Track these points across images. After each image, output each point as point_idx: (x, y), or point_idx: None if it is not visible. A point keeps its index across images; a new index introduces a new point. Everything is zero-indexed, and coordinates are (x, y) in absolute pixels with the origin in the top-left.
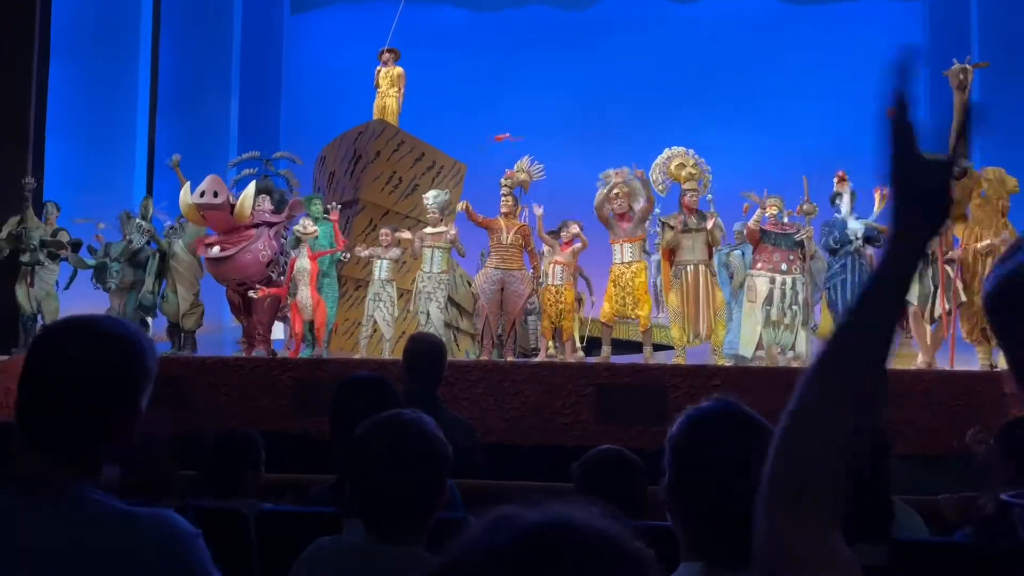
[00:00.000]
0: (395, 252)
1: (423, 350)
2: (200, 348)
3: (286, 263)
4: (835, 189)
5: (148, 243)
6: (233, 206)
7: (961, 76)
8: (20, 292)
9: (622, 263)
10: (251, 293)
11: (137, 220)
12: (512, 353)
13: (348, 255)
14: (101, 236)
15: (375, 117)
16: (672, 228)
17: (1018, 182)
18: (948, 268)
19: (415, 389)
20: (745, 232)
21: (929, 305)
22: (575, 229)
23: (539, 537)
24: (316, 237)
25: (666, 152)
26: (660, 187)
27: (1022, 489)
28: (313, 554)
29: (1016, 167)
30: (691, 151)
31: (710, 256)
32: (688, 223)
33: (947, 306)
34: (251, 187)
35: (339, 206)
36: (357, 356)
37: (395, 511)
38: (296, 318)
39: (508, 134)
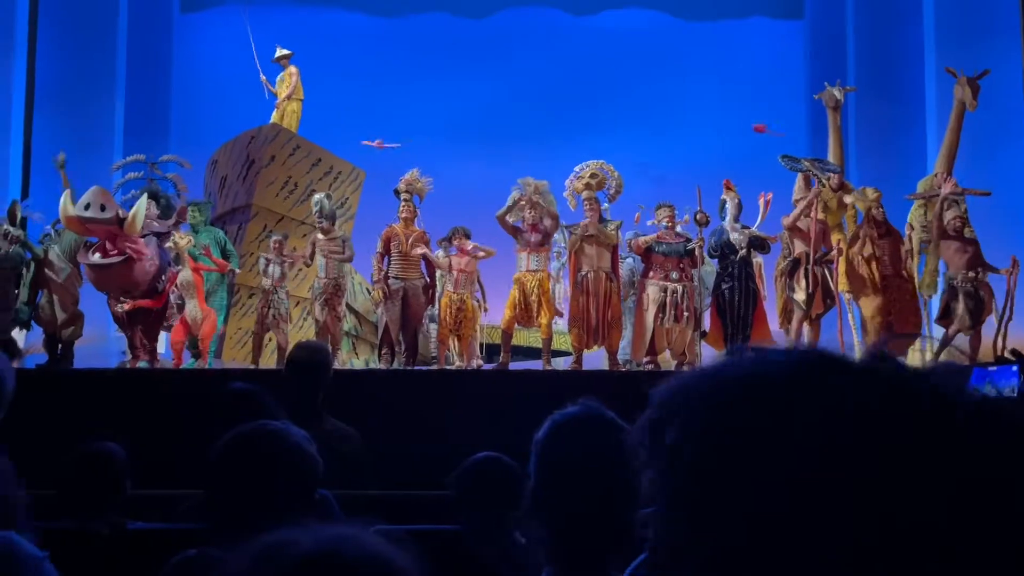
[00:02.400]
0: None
1: (305, 358)
2: (83, 359)
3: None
4: (722, 196)
5: (19, 250)
6: (122, 219)
7: (836, 97)
8: None
9: (528, 271)
10: (119, 308)
11: (4, 227)
12: (412, 362)
13: (236, 271)
14: None
15: (273, 120)
16: (575, 233)
17: (878, 191)
18: (826, 270)
19: (296, 398)
20: (632, 247)
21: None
22: (469, 246)
23: (308, 569)
24: (192, 246)
25: (575, 169)
26: (572, 202)
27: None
28: (176, 566)
29: (889, 179)
30: (599, 161)
31: (613, 265)
32: (589, 230)
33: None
34: (143, 199)
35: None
36: (247, 366)
37: (258, 524)
38: (179, 330)
39: (380, 140)
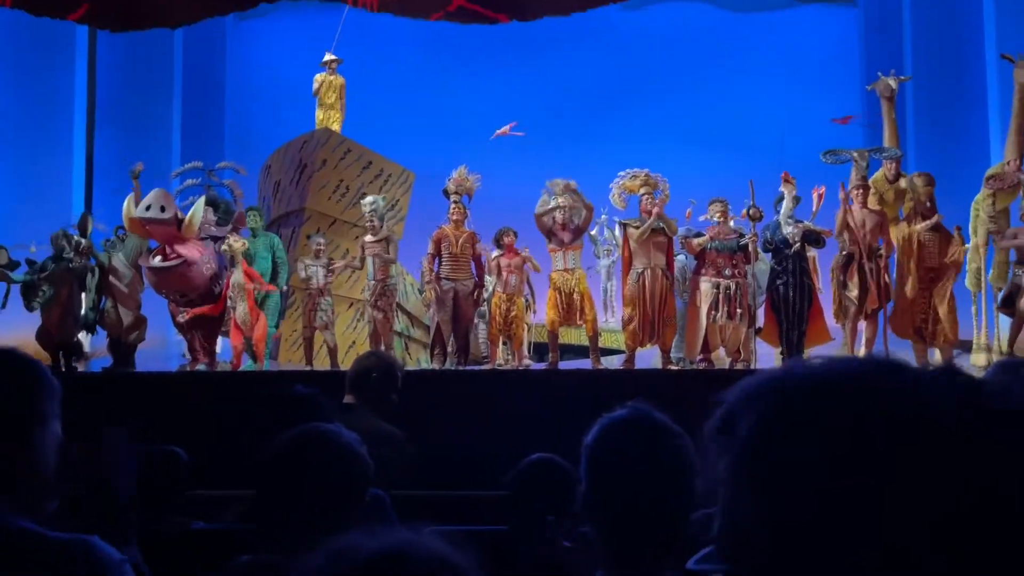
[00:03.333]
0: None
1: (366, 367)
2: (145, 363)
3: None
4: (780, 189)
5: (87, 261)
6: (181, 221)
7: (891, 87)
8: None
9: (564, 270)
10: (179, 317)
11: (76, 238)
12: (464, 362)
13: (283, 288)
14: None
15: (317, 127)
16: (635, 228)
17: (932, 180)
18: (880, 265)
19: (352, 404)
20: (684, 246)
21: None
22: (518, 248)
23: (375, 570)
24: (246, 249)
25: (620, 174)
26: (619, 201)
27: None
28: (232, 571)
29: (946, 169)
30: (644, 170)
31: (668, 263)
32: (657, 222)
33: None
34: (200, 202)
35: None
36: (305, 368)
37: (308, 524)
38: (236, 333)
39: (509, 127)
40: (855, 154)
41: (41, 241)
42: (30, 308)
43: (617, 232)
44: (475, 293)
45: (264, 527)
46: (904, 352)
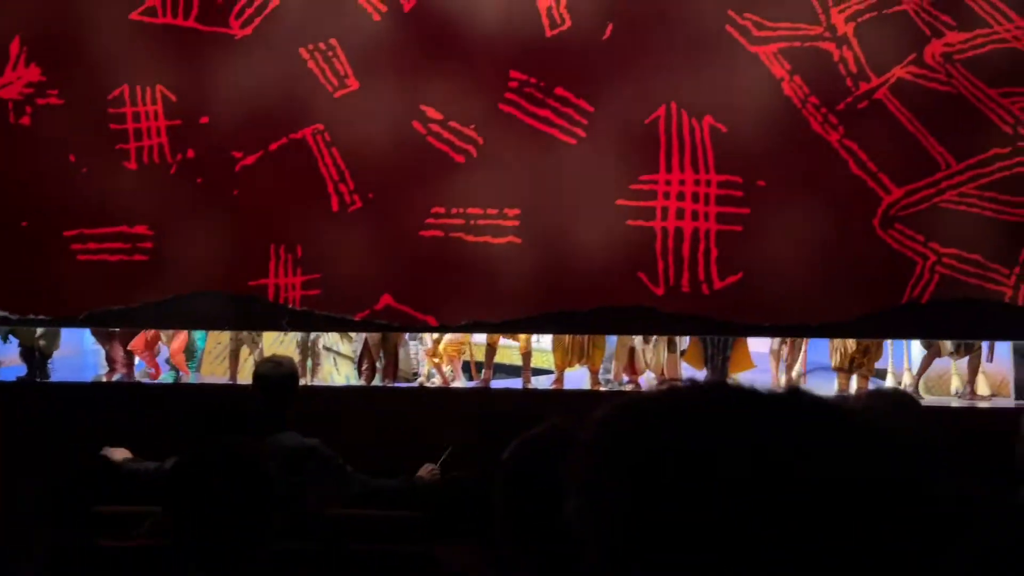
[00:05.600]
0: None
1: (271, 373)
2: (60, 372)
3: None
4: None
5: None
6: None
7: None
8: None
9: None
10: None
11: None
12: (392, 378)
13: None
14: None
15: None
16: None
17: None
18: None
19: (263, 413)
20: None
21: None
22: None
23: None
24: None
25: None
26: None
27: None
28: None
29: None
30: None
31: None
32: None
33: None
34: None
35: None
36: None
37: (216, 539)
38: (150, 343)
39: None
40: None
41: None
42: None
43: None
44: None
45: (175, 545)
46: (829, 380)
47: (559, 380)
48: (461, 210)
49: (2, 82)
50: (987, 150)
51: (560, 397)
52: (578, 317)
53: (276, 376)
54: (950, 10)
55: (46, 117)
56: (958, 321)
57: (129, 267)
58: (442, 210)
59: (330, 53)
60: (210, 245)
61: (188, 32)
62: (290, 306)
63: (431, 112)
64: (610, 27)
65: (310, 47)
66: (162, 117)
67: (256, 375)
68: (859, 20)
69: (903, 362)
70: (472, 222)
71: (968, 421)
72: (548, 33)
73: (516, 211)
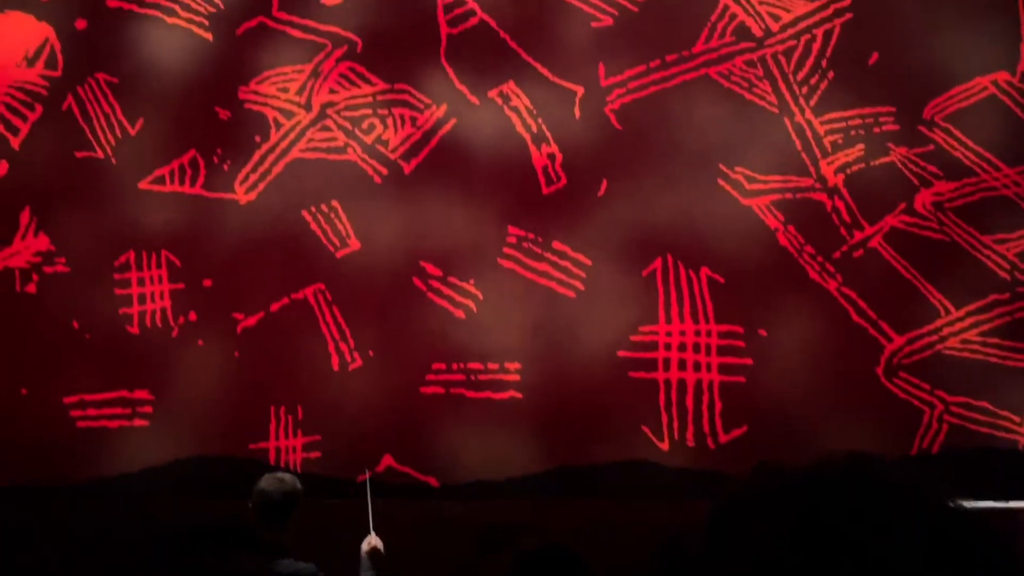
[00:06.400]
0: None
1: (274, 490)
2: None
3: None
4: None
5: None
6: None
7: None
8: None
9: None
10: None
11: None
12: None
13: None
14: None
15: None
16: None
17: None
18: None
19: (264, 532)
20: None
21: None
22: None
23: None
24: None
25: None
26: None
27: None
28: None
29: None
30: None
31: None
32: None
33: None
34: None
35: None
36: None
37: None
38: None
39: None
40: None
41: None
42: None
43: None
44: None
45: None
46: None
47: None
48: (462, 365)
49: (11, 251)
50: (986, 296)
51: None
52: (583, 473)
53: (279, 494)
54: (936, 161)
55: (52, 285)
56: (970, 472)
57: (129, 432)
58: (443, 366)
59: (332, 214)
60: (211, 408)
61: (195, 199)
62: (291, 469)
63: (431, 268)
64: (604, 183)
65: (312, 209)
66: (166, 281)
67: (258, 491)
68: (848, 172)
69: None
70: (473, 377)
71: None
72: (545, 191)
73: (517, 365)
